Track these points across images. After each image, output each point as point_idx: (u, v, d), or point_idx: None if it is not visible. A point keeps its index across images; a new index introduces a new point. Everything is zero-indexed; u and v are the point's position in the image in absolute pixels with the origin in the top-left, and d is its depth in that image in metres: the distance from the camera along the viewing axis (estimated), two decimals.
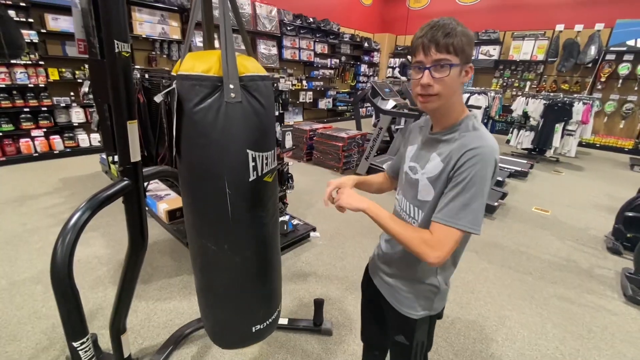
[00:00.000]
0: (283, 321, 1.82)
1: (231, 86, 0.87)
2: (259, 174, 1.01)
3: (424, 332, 1.02)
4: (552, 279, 2.44)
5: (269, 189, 1.08)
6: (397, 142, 4.98)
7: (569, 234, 3.17)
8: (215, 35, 1.07)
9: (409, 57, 0.86)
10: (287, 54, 7.48)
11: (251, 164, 0.98)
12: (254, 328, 1.16)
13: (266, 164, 1.03)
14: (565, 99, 5.46)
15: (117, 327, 1.29)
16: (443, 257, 0.75)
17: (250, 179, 0.99)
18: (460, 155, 0.77)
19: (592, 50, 6.90)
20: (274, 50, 7.18)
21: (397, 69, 9.74)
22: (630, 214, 2.79)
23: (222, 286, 1.10)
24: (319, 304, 1.80)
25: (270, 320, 1.20)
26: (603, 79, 6.88)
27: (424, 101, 0.81)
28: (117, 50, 0.87)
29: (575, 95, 5.94)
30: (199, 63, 0.88)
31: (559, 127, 5.43)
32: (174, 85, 0.86)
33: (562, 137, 5.50)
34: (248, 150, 0.96)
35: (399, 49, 10.44)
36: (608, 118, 7.09)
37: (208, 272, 1.09)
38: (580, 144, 5.97)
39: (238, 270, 1.08)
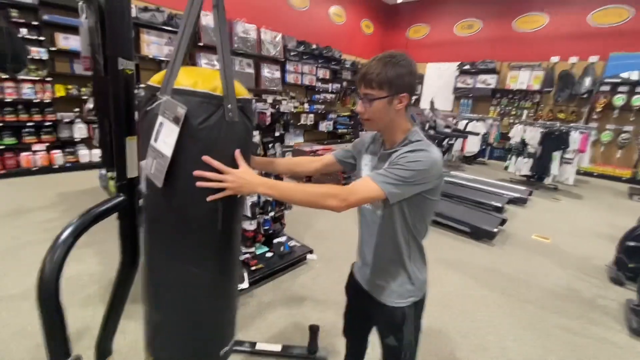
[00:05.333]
0: (276, 348, 1.75)
1: (163, 98, 0.81)
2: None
3: (411, 327, 1.06)
4: (553, 308, 2.37)
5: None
6: None
7: (569, 262, 3.12)
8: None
9: None
10: (290, 78, 7.66)
11: None
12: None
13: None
14: (562, 127, 5.53)
15: (103, 349, 1.23)
16: (350, 201, 0.86)
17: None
18: (405, 150, 0.91)
19: (587, 82, 7.07)
20: (277, 74, 7.36)
21: None
22: (631, 243, 2.76)
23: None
24: (314, 330, 1.75)
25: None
26: (599, 109, 7.01)
27: (363, 124, 1.00)
28: (120, 68, 0.89)
29: (572, 124, 6.03)
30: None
31: (556, 155, 5.47)
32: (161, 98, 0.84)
33: (560, 165, 5.53)
34: None
35: None
36: (605, 147, 7.16)
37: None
38: (578, 172, 5.99)
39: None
